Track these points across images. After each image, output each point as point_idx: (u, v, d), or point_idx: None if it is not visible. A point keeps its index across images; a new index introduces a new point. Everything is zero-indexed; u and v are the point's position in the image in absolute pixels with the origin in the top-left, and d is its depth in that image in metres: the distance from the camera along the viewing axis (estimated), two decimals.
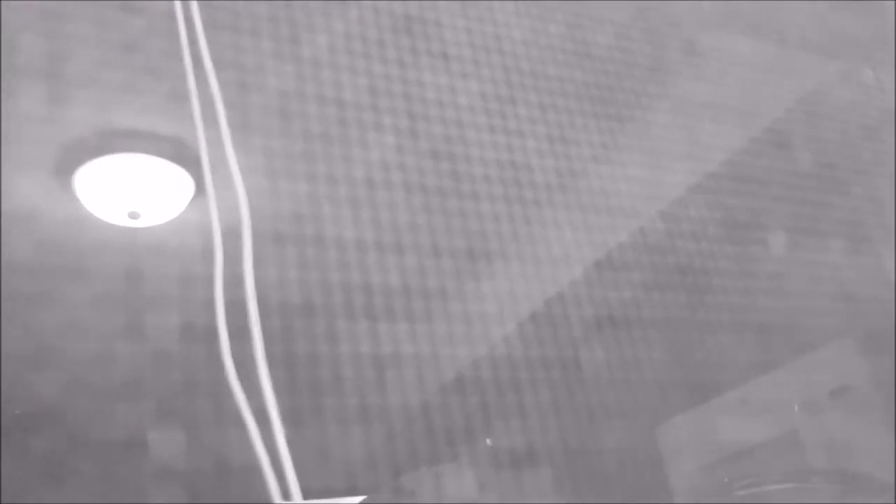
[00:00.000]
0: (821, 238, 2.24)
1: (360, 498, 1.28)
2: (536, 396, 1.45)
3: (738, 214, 2.04)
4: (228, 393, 1.16)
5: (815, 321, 2.01)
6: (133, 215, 2.35)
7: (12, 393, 1.07)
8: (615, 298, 1.64)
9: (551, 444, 1.38)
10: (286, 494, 0.86)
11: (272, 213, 1.27)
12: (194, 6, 1.28)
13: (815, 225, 2.24)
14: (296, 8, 1.46)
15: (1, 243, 1.72)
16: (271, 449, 0.96)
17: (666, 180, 1.91)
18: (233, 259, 1.07)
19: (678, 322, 1.73)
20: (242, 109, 1.32)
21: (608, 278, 1.64)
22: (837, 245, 2.28)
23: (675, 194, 1.91)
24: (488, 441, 1.32)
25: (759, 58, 2.45)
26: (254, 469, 1.12)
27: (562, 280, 1.60)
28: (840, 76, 2.65)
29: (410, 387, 1.29)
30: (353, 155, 1.44)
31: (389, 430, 1.23)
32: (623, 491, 1.39)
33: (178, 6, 1.30)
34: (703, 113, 2.21)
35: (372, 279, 1.32)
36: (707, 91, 2.29)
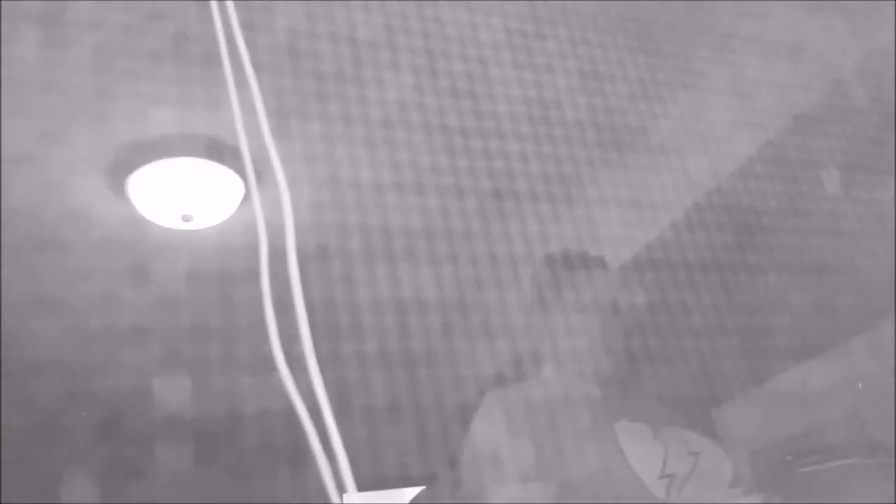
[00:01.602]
0: (878, 176, 2.11)
1: (417, 489, 1.26)
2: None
3: (789, 152, 1.92)
4: (239, 339, 1.11)
5: (874, 261, 1.89)
6: (186, 218, 2.35)
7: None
8: (656, 240, 1.55)
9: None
10: (341, 487, 0.82)
11: (282, 154, 1.21)
12: (230, 6, 1.24)
13: (871, 162, 2.11)
14: None
15: (1, 235, 1.71)
16: (324, 442, 0.91)
17: (710, 116, 1.80)
18: (277, 255, 1.03)
19: (726, 264, 1.63)
20: (251, 49, 1.26)
21: (647, 218, 1.55)
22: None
23: (720, 131, 1.80)
24: None
25: None
26: (268, 414, 1.06)
27: (596, 221, 1.51)
28: None
29: (434, 333, 1.22)
30: (369, 95, 1.36)
31: (412, 376, 1.16)
32: None
33: (214, 6, 1.27)
34: (749, 47, 2.09)
35: (391, 221, 1.25)
36: (753, 25, 2.16)
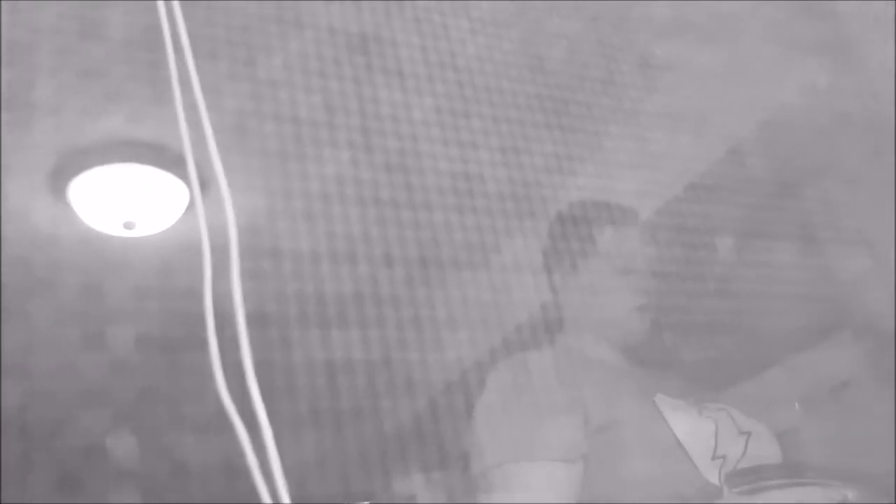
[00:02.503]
0: (771, 241, 2.31)
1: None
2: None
3: (688, 220, 2.11)
4: (186, 399, 1.22)
5: (767, 321, 2.08)
6: (128, 225, 2.34)
7: None
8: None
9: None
10: (275, 496, 0.92)
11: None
12: (176, 6, 1.33)
13: (766, 228, 2.31)
14: (253, 31, 1.52)
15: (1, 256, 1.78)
16: (259, 453, 1.02)
17: (616, 188, 1.98)
18: (217, 270, 1.12)
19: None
20: (198, 129, 1.38)
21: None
22: (789, 247, 2.35)
23: (625, 201, 1.98)
24: None
25: (713, 67, 2.52)
26: (212, 469, 1.18)
27: (512, 286, 1.66)
28: (794, 82, 2.72)
29: (363, 391, 1.35)
30: (309, 170, 1.50)
31: (341, 434, 1.29)
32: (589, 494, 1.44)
33: (161, 6, 1.36)
34: (656, 123, 2.29)
35: (325, 288, 1.38)
36: (660, 102, 2.36)
